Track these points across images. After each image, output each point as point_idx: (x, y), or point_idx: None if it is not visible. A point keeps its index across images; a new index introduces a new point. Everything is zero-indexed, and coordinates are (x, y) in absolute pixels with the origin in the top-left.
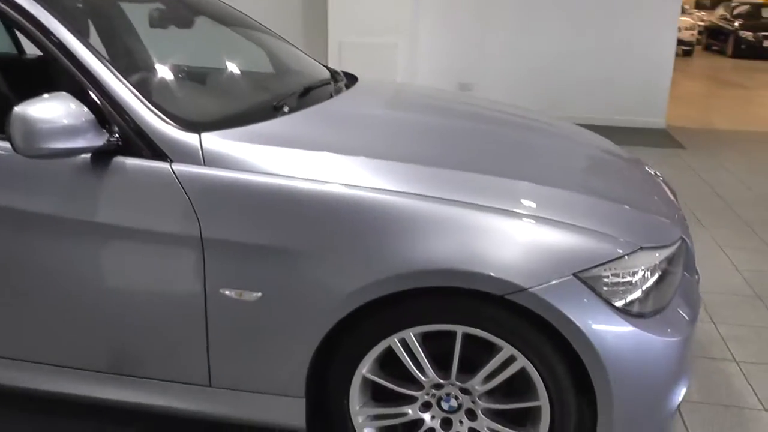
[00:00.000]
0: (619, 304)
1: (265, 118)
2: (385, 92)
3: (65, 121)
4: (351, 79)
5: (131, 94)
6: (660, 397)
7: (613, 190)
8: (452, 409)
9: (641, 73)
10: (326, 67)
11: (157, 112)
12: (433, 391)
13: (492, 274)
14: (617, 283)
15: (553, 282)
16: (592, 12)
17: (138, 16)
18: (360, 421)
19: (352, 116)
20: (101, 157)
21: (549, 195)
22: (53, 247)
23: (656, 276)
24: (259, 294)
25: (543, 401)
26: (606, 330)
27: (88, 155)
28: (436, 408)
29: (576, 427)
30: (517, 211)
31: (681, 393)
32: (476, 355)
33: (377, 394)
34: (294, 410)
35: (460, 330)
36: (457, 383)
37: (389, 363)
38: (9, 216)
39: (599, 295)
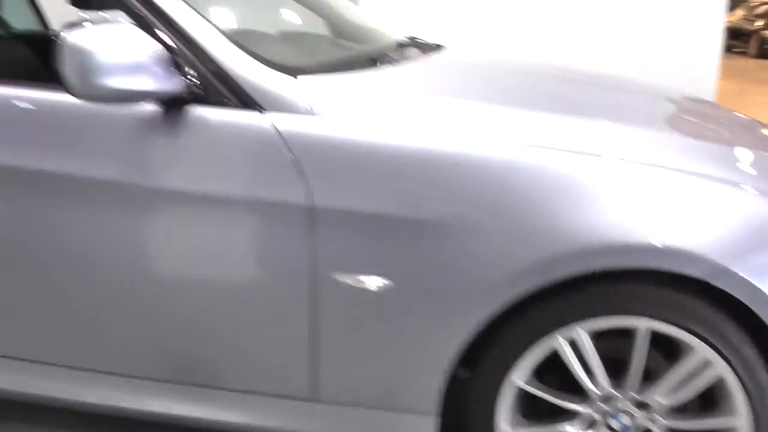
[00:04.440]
0: None
1: (364, 68)
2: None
3: (132, 54)
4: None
5: (210, 29)
6: None
7: None
8: (624, 430)
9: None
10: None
11: (243, 51)
12: (602, 405)
13: (702, 253)
14: None
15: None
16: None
17: None
18: None
19: (456, 70)
20: (172, 107)
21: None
22: (112, 220)
23: None
24: (386, 281)
25: (741, 420)
26: None
27: (155, 104)
28: (604, 428)
29: None
30: (738, 181)
31: None
32: (652, 363)
33: (527, 411)
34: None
35: (644, 325)
36: (635, 395)
37: (545, 371)
38: (57, 183)
39: None
